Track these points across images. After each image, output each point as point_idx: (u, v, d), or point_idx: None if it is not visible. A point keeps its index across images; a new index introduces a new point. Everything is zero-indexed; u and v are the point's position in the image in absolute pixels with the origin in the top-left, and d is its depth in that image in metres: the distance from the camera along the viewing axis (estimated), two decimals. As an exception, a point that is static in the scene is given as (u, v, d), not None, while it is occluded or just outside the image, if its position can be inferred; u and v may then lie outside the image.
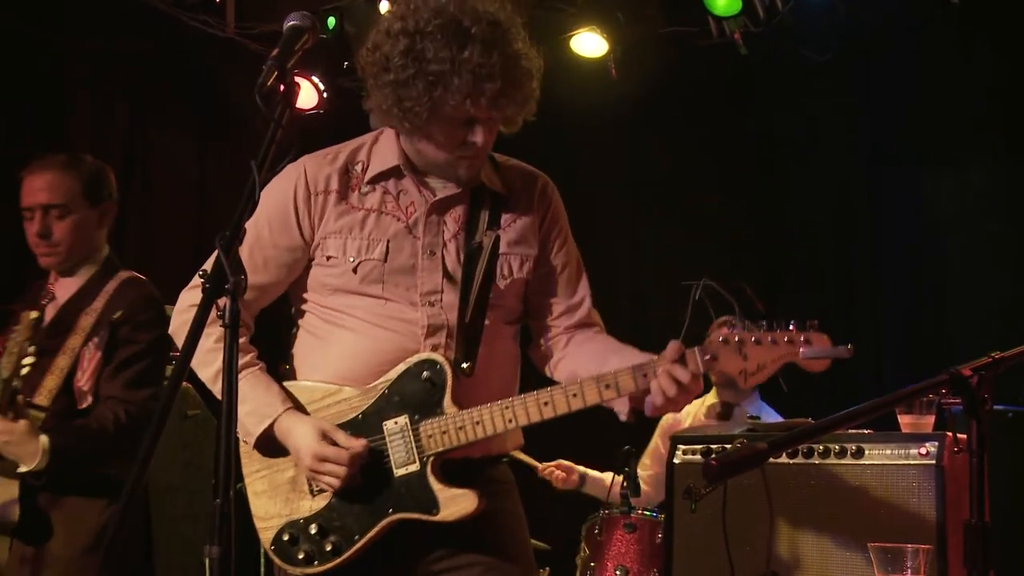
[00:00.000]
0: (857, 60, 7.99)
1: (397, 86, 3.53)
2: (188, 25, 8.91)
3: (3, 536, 4.57)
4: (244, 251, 3.35)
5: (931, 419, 4.66)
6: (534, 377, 3.92)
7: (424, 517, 3.52)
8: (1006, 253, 7.49)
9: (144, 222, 8.75)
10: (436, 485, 3.51)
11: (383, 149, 3.79)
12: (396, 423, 3.56)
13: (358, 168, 3.79)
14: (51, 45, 8.18)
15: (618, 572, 5.77)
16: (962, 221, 7.83)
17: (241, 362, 3.49)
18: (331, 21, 8.67)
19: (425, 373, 3.55)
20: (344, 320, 3.71)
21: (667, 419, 7.20)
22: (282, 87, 3.02)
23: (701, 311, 3.52)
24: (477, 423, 3.49)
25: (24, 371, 4.43)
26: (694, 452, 5.04)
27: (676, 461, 5.09)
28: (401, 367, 3.58)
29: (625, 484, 6.05)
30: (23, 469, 4.47)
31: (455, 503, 3.49)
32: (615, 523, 5.87)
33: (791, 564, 4.45)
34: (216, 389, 3.53)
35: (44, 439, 4.47)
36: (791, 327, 3.22)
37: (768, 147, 8.12)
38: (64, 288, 4.91)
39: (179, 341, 3.64)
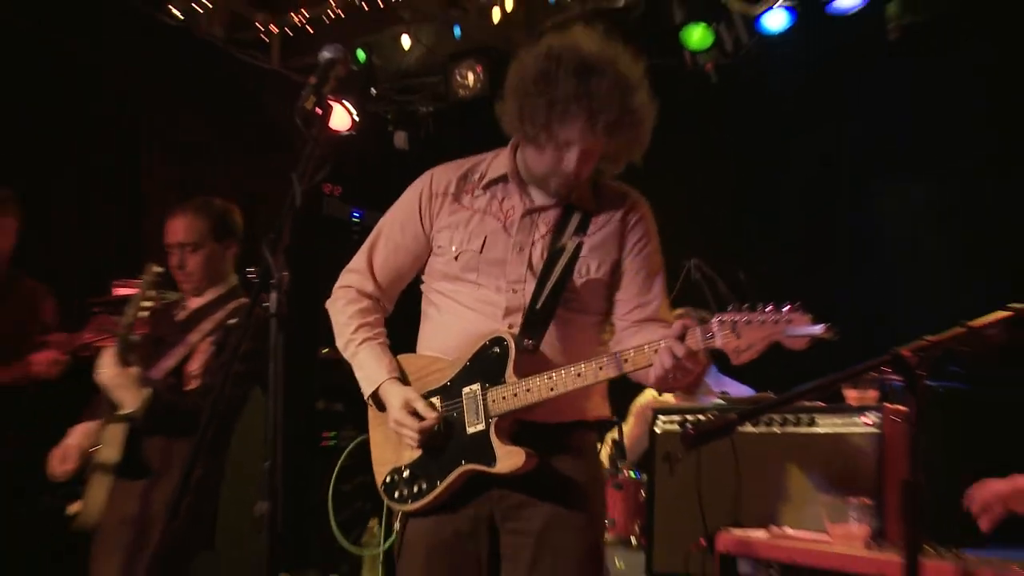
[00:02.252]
0: (819, 86, 7.97)
1: (525, 96, 3.65)
2: (238, 59, 8.97)
3: (107, 478, 4.64)
4: (381, 241, 4.05)
5: (874, 393, 4.70)
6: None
7: (485, 468, 3.68)
8: (944, 256, 7.51)
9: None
10: (496, 442, 3.66)
11: (499, 162, 3.95)
12: (471, 389, 3.74)
13: (476, 177, 3.96)
14: (123, 79, 8.26)
15: (607, 523, 5.79)
16: (911, 228, 7.85)
17: (366, 336, 3.94)
18: (361, 54, 8.72)
19: (496, 348, 3.72)
20: (447, 303, 3.93)
21: (642, 400, 7.23)
22: (318, 110, 3.05)
23: (690, 288, 3.57)
24: (528, 390, 3.62)
25: (143, 313, 4.62)
26: (672, 422, 5.06)
27: (657, 430, 5.11)
28: (480, 343, 3.75)
29: (613, 450, 6.08)
30: (123, 411, 4.59)
31: (508, 458, 3.63)
32: (605, 482, 5.89)
33: (755, 516, 4.47)
34: (346, 355, 3.98)
35: (147, 391, 4.59)
36: (776, 308, 3.27)
37: (740, 165, 8.11)
38: (196, 303, 5.10)
39: (339, 332, 4.02)
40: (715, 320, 3.33)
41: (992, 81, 7.30)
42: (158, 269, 4.70)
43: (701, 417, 4.89)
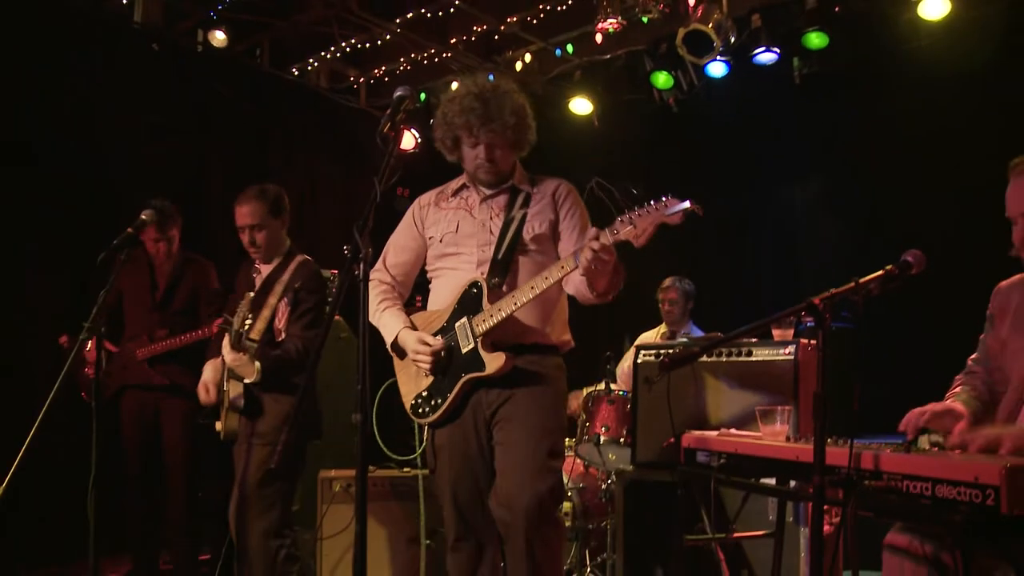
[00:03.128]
0: (747, 113, 7.97)
1: (441, 132, 3.94)
2: (336, 101, 9.02)
3: (236, 413, 4.83)
4: (391, 248, 4.15)
5: (791, 331, 4.69)
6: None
7: (479, 374, 3.75)
8: (833, 233, 7.58)
9: (314, 222, 8.84)
10: (483, 353, 3.75)
11: (460, 179, 4.07)
12: (461, 323, 3.80)
13: (448, 192, 4.08)
14: (262, 120, 8.50)
15: (603, 428, 5.75)
16: (807, 215, 7.89)
17: (387, 305, 4.03)
18: (423, 95, 8.72)
19: (474, 289, 3.80)
20: (440, 272, 4.01)
21: (640, 341, 7.23)
22: (393, 133, 3.05)
23: (597, 203, 3.62)
24: (499, 309, 3.70)
25: (246, 326, 4.59)
26: (649, 355, 5.04)
27: (639, 361, 5.10)
28: (463, 289, 3.83)
29: (608, 375, 6.05)
30: (246, 381, 4.71)
31: (493, 361, 3.73)
32: (601, 399, 5.85)
33: (709, 420, 4.45)
34: (374, 321, 3.96)
35: (258, 364, 4.66)
36: (656, 201, 3.32)
37: (688, 169, 8.05)
38: (265, 269, 5.05)
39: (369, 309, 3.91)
40: (617, 219, 3.37)
41: (864, 110, 7.44)
42: (251, 295, 4.71)
43: (672, 351, 4.86)
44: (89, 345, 5.27)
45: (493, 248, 3.86)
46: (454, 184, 4.09)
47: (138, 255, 5.81)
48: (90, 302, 4.35)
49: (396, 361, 4.05)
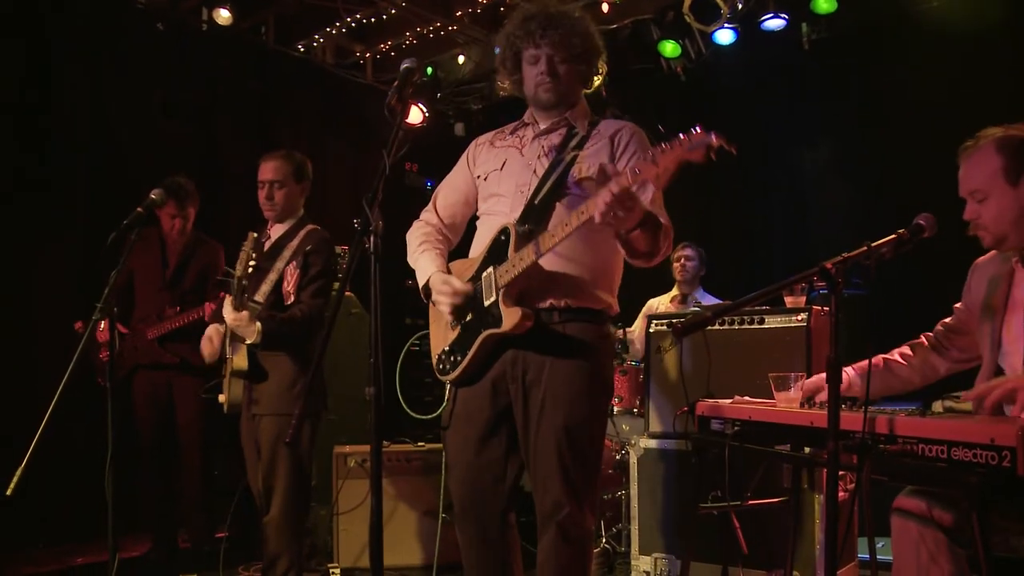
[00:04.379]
0: (755, 80, 7.96)
1: (502, 51, 3.68)
2: (343, 77, 9.02)
3: (240, 379, 4.69)
4: (442, 188, 3.86)
5: (804, 299, 4.68)
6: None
7: (496, 331, 3.42)
8: (843, 198, 7.58)
9: (322, 198, 8.83)
10: (502, 308, 3.39)
11: (521, 118, 3.78)
12: (487, 273, 3.48)
13: (507, 130, 3.78)
14: (268, 97, 8.51)
15: (616, 399, 5.78)
16: (817, 181, 7.88)
17: (426, 248, 3.71)
18: (429, 70, 8.71)
19: (502, 236, 3.46)
20: (484, 217, 3.70)
21: (648, 307, 7.20)
22: (400, 105, 3.01)
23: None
24: (521, 259, 3.35)
25: (249, 271, 4.48)
26: (662, 325, 5.04)
27: (651, 330, 5.10)
28: (493, 236, 3.52)
29: (620, 345, 6.05)
30: (247, 342, 4.59)
31: (509, 317, 3.37)
32: (614, 369, 5.87)
33: (722, 389, 4.44)
34: (411, 262, 3.76)
35: (258, 325, 4.55)
36: (680, 135, 2.92)
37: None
38: (276, 232, 4.95)
39: (409, 249, 3.80)
40: (639, 159, 3.05)
41: (873, 74, 7.45)
42: (254, 235, 4.56)
43: (683, 319, 4.85)
44: (102, 326, 5.29)
45: (532, 191, 3.51)
46: (516, 122, 3.79)
47: (149, 234, 5.83)
48: (101, 285, 4.36)
49: (431, 313, 3.76)
